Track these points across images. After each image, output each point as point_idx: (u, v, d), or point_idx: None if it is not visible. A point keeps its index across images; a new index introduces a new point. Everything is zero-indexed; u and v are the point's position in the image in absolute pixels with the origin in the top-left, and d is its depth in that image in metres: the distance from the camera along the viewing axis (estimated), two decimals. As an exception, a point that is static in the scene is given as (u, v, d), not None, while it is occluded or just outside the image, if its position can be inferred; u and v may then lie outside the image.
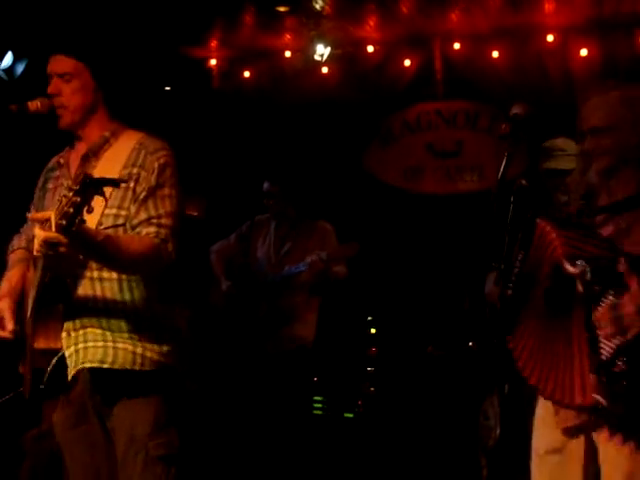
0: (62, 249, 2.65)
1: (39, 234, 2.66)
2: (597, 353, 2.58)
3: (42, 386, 3.07)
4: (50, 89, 3.14)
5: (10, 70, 6.14)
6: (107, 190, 2.68)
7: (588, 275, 2.60)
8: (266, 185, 5.84)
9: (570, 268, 2.62)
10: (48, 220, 2.64)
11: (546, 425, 2.90)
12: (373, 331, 6.86)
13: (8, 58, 6.12)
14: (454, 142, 7.37)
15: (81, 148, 3.23)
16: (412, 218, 7.10)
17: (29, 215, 2.87)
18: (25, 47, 6.19)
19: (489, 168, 7.11)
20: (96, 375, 3.08)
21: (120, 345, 3.06)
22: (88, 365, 3.05)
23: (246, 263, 5.77)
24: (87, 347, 3.06)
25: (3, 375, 3.46)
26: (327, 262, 5.50)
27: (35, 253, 2.74)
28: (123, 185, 3.04)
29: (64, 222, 2.58)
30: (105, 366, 3.04)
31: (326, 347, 6.09)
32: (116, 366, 3.04)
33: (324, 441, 6.16)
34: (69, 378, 3.07)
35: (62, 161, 3.29)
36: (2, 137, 3.44)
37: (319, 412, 6.55)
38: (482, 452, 4.72)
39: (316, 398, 6.51)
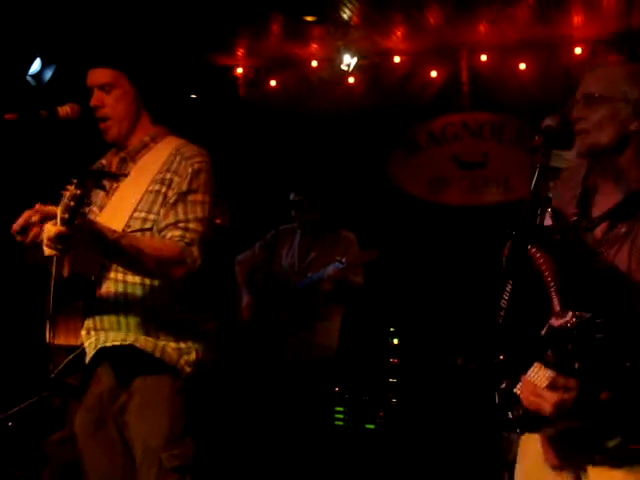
0: (65, 242, 2.63)
1: (49, 229, 2.64)
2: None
3: (52, 375, 3.08)
4: (93, 102, 3.16)
5: (38, 76, 6.18)
6: (126, 193, 2.67)
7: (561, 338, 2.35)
8: (292, 195, 5.84)
9: (555, 320, 2.38)
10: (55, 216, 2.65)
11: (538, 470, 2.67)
12: (396, 342, 6.82)
13: (37, 64, 6.16)
14: (480, 154, 7.35)
15: (122, 152, 3.26)
16: (437, 229, 7.07)
17: (36, 206, 2.86)
18: (53, 53, 6.23)
19: (515, 180, 7.09)
20: (116, 362, 3.08)
21: (141, 336, 3.06)
22: (110, 344, 3.04)
23: (270, 273, 5.76)
24: (108, 335, 3.07)
25: (27, 379, 3.47)
26: (346, 268, 5.49)
27: (45, 249, 2.70)
28: (155, 189, 3.08)
29: (66, 215, 2.58)
30: (127, 343, 3.02)
31: (348, 358, 6.08)
32: (137, 344, 3.02)
33: (345, 452, 6.14)
34: (88, 359, 3.06)
35: (105, 162, 3.31)
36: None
37: (340, 423, 6.52)
38: (505, 466, 4.68)
39: (337, 409, 6.48)
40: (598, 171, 2.62)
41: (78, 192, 2.57)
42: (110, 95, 3.15)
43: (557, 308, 2.35)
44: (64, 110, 3.11)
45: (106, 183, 2.69)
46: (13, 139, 3.14)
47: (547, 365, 2.35)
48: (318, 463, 5.56)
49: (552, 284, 2.38)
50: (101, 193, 3.17)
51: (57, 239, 2.62)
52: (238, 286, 5.99)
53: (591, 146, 2.56)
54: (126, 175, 3.00)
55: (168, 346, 3.09)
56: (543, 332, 2.39)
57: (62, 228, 2.59)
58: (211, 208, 3.13)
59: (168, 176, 3.10)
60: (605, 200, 2.60)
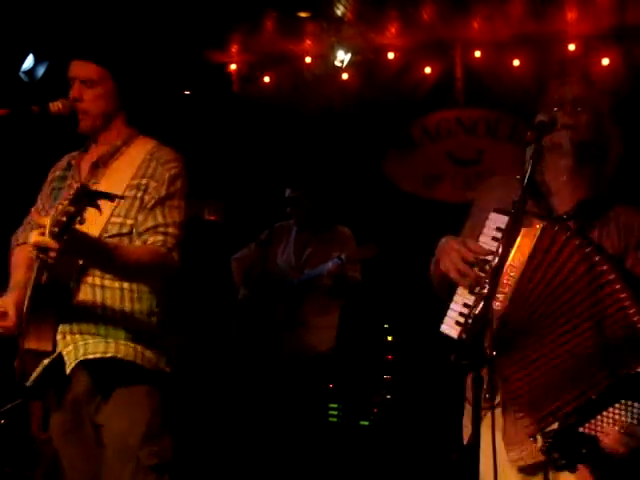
0: (52, 254, 2.66)
1: (32, 237, 2.68)
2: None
3: (28, 384, 3.09)
4: (73, 94, 3.15)
5: (31, 72, 6.16)
6: (104, 203, 2.69)
7: None
8: (288, 191, 5.84)
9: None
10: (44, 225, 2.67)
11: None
12: (390, 339, 6.83)
13: (29, 60, 6.14)
14: (474, 150, 7.35)
15: (93, 153, 3.25)
16: (431, 225, 7.06)
17: (36, 217, 2.89)
18: (46, 49, 6.22)
19: (509, 176, 7.08)
20: (94, 370, 3.06)
21: (121, 342, 3.06)
22: (91, 356, 3.03)
23: (265, 270, 5.76)
24: (87, 343, 3.05)
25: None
26: (345, 263, 5.49)
27: (28, 254, 2.80)
28: (131, 194, 3.09)
29: (56, 229, 2.59)
30: (108, 355, 3.02)
31: (343, 354, 6.07)
32: (119, 355, 3.03)
33: (339, 449, 6.13)
34: (67, 371, 3.04)
35: (73, 162, 3.30)
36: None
37: (335, 419, 6.52)
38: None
39: (332, 405, 6.48)
40: (577, 166, 2.75)
41: (71, 209, 2.58)
42: (91, 90, 3.14)
43: None
44: (56, 106, 3.11)
45: (100, 203, 2.68)
46: (4, 134, 3.13)
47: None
48: (312, 459, 5.56)
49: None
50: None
51: (38, 249, 2.66)
52: (235, 282, 5.99)
53: (580, 141, 2.73)
54: (122, 197, 2.98)
55: (146, 350, 3.10)
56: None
57: (43, 239, 2.62)
58: (186, 212, 3.17)
59: (144, 181, 3.11)
60: (566, 199, 2.76)
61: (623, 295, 2.45)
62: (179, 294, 3.31)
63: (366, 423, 6.55)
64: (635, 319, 2.42)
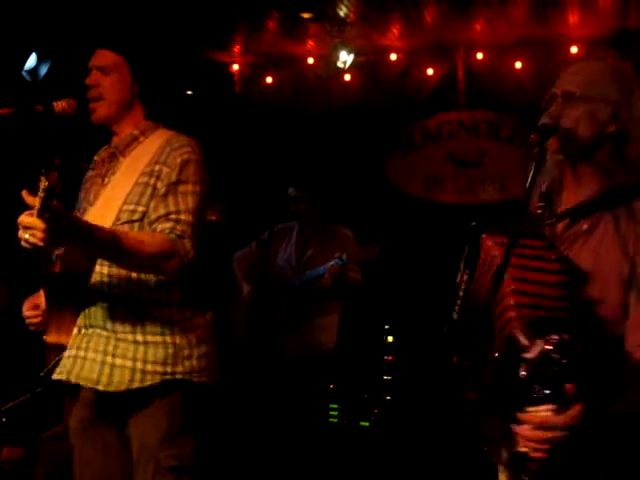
0: (38, 234, 2.52)
1: (20, 218, 2.56)
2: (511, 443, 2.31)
3: (41, 374, 3.04)
4: (88, 80, 3.14)
5: (34, 71, 6.16)
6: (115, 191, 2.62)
7: (543, 366, 2.18)
8: (291, 190, 5.84)
9: (528, 353, 2.20)
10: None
11: None
12: (390, 339, 6.83)
13: (32, 59, 6.14)
14: (476, 152, 7.36)
15: (113, 145, 3.23)
16: (432, 227, 7.07)
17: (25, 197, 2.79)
18: (48, 48, 6.22)
19: (510, 178, 7.10)
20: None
21: (118, 361, 2.95)
22: (82, 383, 2.96)
23: (265, 270, 5.75)
24: (86, 358, 2.97)
25: (21, 375, 3.45)
26: (346, 264, 5.48)
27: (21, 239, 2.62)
28: (144, 181, 3.03)
29: (39, 207, 2.46)
30: (100, 388, 2.93)
31: (343, 355, 6.08)
32: (111, 388, 2.93)
33: (339, 449, 6.14)
34: (53, 377, 2.99)
35: (97, 158, 3.28)
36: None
37: (335, 420, 6.52)
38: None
39: (332, 406, 6.48)
40: (568, 169, 2.57)
41: (46, 184, 2.46)
42: (107, 77, 3.13)
43: (524, 342, 2.23)
44: (60, 105, 3.08)
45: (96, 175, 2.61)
46: (9, 134, 3.14)
47: (538, 402, 2.21)
48: (312, 460, 5.56)
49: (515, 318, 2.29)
50: (94, 187, 3.17)
51: (24, 228, 2.54)
52: (237, 281, 5.98)
53: (567, 143, 2.52)
54: (90, 168, 2.98)
55: (149, 360, 2.96)
56: (521, 372, 2.21)
57: (29, 218, 2.51)
58: (203, 198, 3.05)
59: (157, 168, 3.03)
60: (570, 198, 2.57)
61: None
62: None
63: (366, 424, 6.55)
64: None
